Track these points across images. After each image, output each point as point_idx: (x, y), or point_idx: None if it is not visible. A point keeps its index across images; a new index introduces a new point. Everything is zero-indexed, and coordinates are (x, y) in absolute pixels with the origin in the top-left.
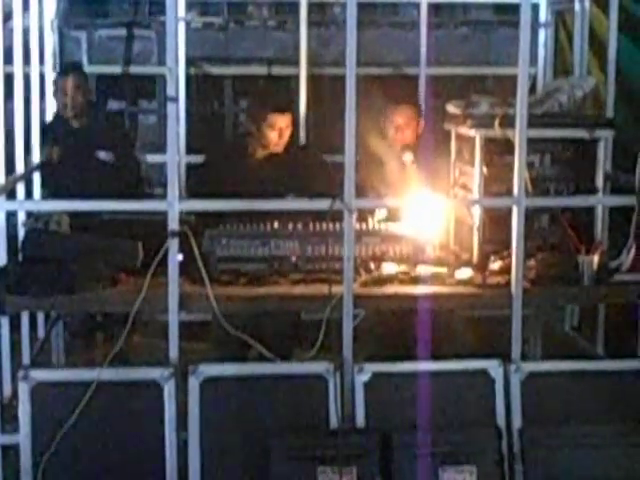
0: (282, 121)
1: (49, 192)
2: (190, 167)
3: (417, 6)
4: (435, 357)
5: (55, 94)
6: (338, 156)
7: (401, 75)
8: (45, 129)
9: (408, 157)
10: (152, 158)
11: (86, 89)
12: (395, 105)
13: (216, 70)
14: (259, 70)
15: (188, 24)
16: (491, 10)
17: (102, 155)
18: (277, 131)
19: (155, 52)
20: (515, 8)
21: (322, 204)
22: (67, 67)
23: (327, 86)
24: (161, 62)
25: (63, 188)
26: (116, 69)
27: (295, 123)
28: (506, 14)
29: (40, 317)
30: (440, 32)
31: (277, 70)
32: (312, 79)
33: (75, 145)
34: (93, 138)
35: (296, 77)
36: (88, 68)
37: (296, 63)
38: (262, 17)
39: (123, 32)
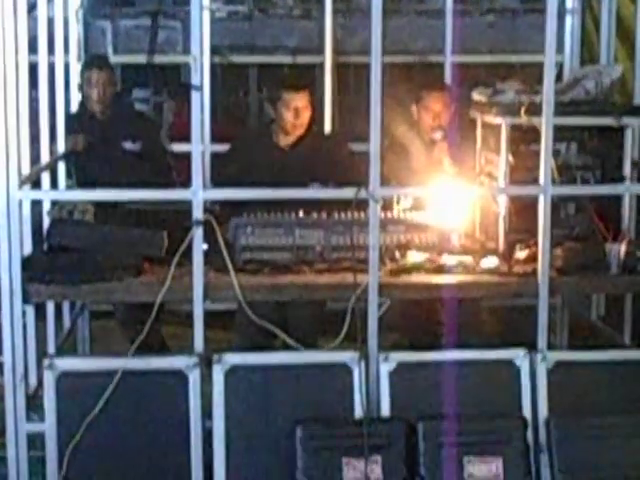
0: (298, 99)
1: (76, 182)
2: (215, 156)
3: None
4: (460, 346)
5: (81, 86)
6: (364, 145)
7: (428, 63)
8: (70, 119)
9: (439, 134)
10: (177, 147)
11: (113, 82)
12: (430, 91)
13: (241, 59)
14: (284, 59)
15: (213, 13)
16: None
17: (128, 145)
18: (292, 111)
19: (180, 41)
20: None
21: (347, 193)
22: (95, 60)
23: (352, 75)
24: (186, 51)
25: (90, 179)
26: (141, 58)
27: (320, 111)
28: (532, 1)
29: (65, 306)
30: (466, 20)
31: (302, 59)
32: (337, 68)
33: (101, 136)
34: (119, 129)
35: (321, 66)
36: (113, 58)
37: (321, 52)
38: (287, 5)
39: (148, 21)
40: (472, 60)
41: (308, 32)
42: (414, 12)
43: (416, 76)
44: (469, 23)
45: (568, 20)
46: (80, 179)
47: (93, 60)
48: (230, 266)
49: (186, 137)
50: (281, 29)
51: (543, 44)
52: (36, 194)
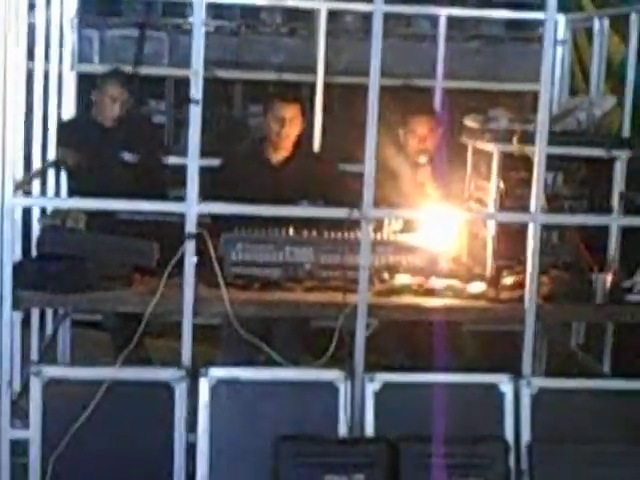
0: (285, 110)
1: (69, 189)
2: (203, 170)
3: (429, 18)
4: (442, 369)
5: (97, 95)
6: (348, 165)
7: (414, 87)
8: (63, 128)
9: (423, 159)
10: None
11: (129, 99)
12: (416, 116)
13: (226, 74)
14: (269, 76)
15: None
16: (502, 25)
17: (126, 156)
18: (279, 120)
19: (166, 53)
20: (526, 24)
21: (339, 212)
22: (117, 75)
23: (337, 95)
24: (171, 63)
25: (86, 187)
26: (127, 69)
27: (308, 130)
28: (517, 30)
29: (49, 314)
30: (451, 45)
31: (287, 76)
32: (322, 87)
33: (101, 145)
34: (120, 139)
35: (306, 84)
36: (99, 67)
37: (307, 70)
38: (274, 23)
39: (135, 32)
40: (459, 86)
41: (294, 50)
42: (400, 36)
43: (402, 99)
44: (454, 49)
45: (558, 50)
46: (72, 187)
47: (115, 74)
48: (221, 281)
49: None
50: (268, 46)
51: (528, 72)
52: (31, 201)
